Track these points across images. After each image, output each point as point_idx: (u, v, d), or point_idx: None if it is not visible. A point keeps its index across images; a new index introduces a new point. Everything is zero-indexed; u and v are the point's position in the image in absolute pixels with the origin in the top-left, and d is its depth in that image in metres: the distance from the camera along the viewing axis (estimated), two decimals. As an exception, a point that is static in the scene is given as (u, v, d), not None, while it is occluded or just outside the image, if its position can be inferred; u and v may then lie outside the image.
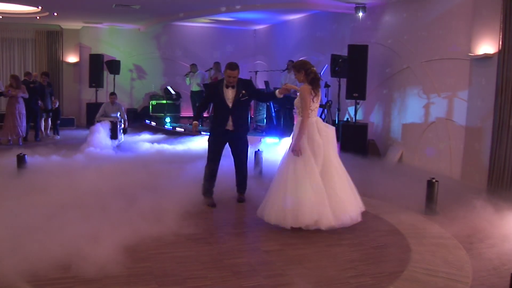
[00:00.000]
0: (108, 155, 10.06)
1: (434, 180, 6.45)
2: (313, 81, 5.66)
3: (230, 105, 6.44)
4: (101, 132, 10.91)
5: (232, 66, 6.33)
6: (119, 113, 12.43)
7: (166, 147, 11.50)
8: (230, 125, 6.50)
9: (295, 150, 5.50)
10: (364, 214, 6.34)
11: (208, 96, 7.23)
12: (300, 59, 6.21)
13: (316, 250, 5.02)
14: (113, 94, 12.86)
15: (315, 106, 5.68)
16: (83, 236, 4.81)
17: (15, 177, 7.47)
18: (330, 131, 5.74)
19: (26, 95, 11.86)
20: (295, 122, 5.86)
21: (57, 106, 13.54)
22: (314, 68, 5.71)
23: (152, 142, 12.19)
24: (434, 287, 4.10)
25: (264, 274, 4.36)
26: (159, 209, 5.91)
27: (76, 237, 4.76)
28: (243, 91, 6.44)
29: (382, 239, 5.42)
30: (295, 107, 5.77)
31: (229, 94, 6.44)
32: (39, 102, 12.70)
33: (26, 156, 7.99)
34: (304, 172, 5.47)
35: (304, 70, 5.68)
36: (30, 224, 5.12)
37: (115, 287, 3.94)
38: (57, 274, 4.09)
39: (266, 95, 8.28)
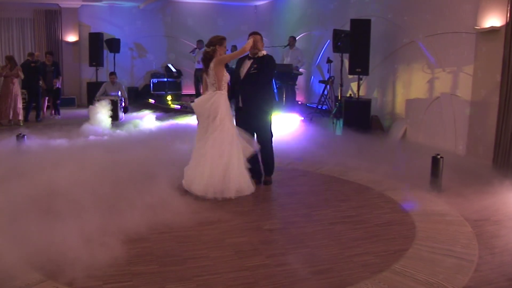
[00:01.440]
0: (108, 134, 10.00)
1: (439, 156, 6.33)
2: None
3: (241, 77, 6.28)
4: (101, 111, 10.81)
5: (254, 32, 6.33)
6: (119, 92, 12.38)
7: (166, 123, 11.45)
8: (240, 101, 6.32)
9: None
10: (368, 191, 6.32)
11: (235, 70, 6.65)
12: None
13: (319, 228, 4.95)
14: (112, 73, 12.79)
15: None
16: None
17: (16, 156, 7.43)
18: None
19: (20, 77, 11.73)
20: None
21: (57, 86, 13.40)
22: (209, 48, 5.99)
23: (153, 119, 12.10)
24: (439, 266, 4.01)
25: (266, 253, 4.29)
26: (155, 187, 5.85)
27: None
28: (255, 65, 6.24)
29: (386, 217, 5.33)
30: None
31: (245, 66, 6.29)
32: (40, 81, 12.59)
33: (25, 136, 7.90)
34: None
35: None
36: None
37: (115, 267, 3.87)
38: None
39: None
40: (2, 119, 11.68)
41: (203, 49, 14.67)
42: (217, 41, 6.03)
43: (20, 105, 11.80)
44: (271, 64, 6.37)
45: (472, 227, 4.97)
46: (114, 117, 11.33)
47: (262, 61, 6.25)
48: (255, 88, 6.25)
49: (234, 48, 15.36)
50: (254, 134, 6.36)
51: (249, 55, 6.32)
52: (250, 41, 6.17)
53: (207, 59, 5.99)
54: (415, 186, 6.43)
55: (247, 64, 6.29)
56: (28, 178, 6.05)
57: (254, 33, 6.34)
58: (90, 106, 11.17)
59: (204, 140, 5.89)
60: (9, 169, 6.57)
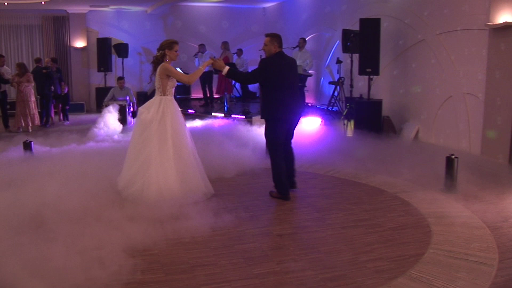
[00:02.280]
0: (116, 139, 9.94)
1: (453, 157, 6.16)
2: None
3: None
4: (110, 117, 10.75)
5: (267, 34, 6.06)
6: (128, 97, 12.33)
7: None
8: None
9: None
10: (380, 193, 6.16)
11: None
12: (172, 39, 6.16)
13: (331, 233, 4.80)
14: (121, 78, 12.73)
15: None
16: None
17: (24, 163, 7.34)
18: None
19: (31, 83, 11.71)
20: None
21: (66, 91, 13.39)
22: (158, 52, 5.99)
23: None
24: (458, 270, 3.85)
25: (277, 259, 4.15)
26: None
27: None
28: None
29: (400, 220, 5.17)
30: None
31: None
32: (52, 88, 12.58)
33: (32, 143, 7.83)
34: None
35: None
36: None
37: (120, 276, 3.73)
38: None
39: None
40: (13, 125, 11.67)
41: (206, 53, 14.81)
42: (167, 45, 5.98)
43: (34, 111, 11.76)
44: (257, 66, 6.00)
45: (490, 229, 4.79)
46: (123, 122, 11.25)
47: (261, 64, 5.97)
48: (262, 93, 6.27)
49: (239, 51, 15.24)
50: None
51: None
52: (208, 61, 6.03)
53: (155, 63, 6.02)
54: (429, 187, 6.26)
55: None
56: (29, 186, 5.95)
57: (269, 35, 5.97)
58: (102, 113, 11.12)
59: (143, 144, 5.82)
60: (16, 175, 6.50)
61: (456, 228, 4.82)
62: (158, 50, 6.01)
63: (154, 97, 6.00)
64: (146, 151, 5.76)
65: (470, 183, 6.25)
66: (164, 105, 5.86)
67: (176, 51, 6.01)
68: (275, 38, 5.89)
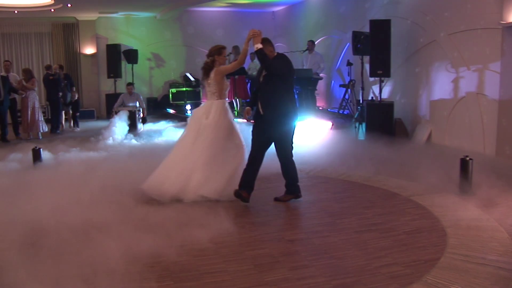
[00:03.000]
0: (126, 146, 9.92)
1: (468, 158, 6.02)
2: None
3: (260, 80, 5.83)
4: (118, 124, 10.73)
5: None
6: (137, 103, 12.31)
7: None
8: (259, 106, 5.78)
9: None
10: (394, 196, 6.03)
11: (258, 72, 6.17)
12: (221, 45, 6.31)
13: (343, 238, 4.68)
14: (130, 84, 12.73)
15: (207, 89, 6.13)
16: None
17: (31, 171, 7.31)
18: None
19: (34, 88, 11.68)
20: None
21: (76, 98, 13.40)
22: (208, 59, 6.14)
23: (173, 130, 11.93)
24: (475, 276, 3.72)
25: (288, 266, 4.04)
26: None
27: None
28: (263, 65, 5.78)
29: (414, 223, 5.04)
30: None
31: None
32: (60, 94, 12.58)
33: (41, 150, 7.79)
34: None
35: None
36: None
37: (127, 284, 3.65)
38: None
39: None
40: (23, 132, 11.67)
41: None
42: (216, 51, 6.12)
43: (38, 117, 11.73)
44: (276, 61, 5.68)
45: (508, 233, 4.64)
46: (133, 128, 11.23)
47: (276, 61, 5.68)
48: (273, 92, 5.66)
49: (252, 55, 15.07)
50: (268, 146, 5.84)
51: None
52: (248, 36, 5.70)
53: (206, 69, 6.11)
54: (443, 190, 6.12)
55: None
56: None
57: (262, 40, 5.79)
58: (111, 120, 11.11)
59: (198, 147, 5.91)
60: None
61: (473, 232, 4.68)
62: (208, 56, 6.18)
63: (209, 101, 6.10)
64: (199, 154, 5.86)
65: (486, 185, 6.06)
66: (221, 109, 6.01)
67: (224, 56, 6.23)
68: (267, 42, 5.74)
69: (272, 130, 5.67)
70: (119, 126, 10.73)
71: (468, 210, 5.34)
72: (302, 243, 4.57)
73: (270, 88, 5.68)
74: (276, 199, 5.92)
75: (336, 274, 3.87)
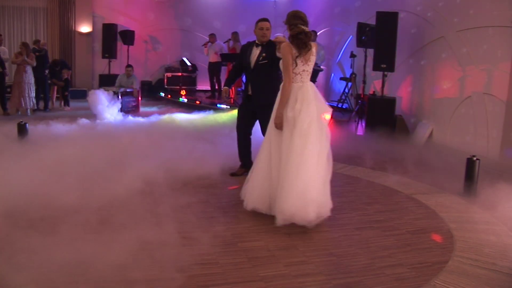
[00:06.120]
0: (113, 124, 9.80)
1: (474, 158, 5.74)
2: (295, 39, 4.60)
3: (251, 66, 5.83)
4: (103, 102, 10.51)
5: (263, 18, 5.82)
6: (134, 85, 12.08)
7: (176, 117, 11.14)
8: (250, 90, 5.94)
9: (275, 122, 4.61)
10: (395, 193, 5.76)
11: (239, 56, 6.24)
12: (297, 13, 4.82)
13: (344, 234, 4.39)
14: (129, 66, 12.41)
15: (301, 69, 4.61)
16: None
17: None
18: (312, 106, 4.62)
19: (33, 64, 11.31)
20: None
21: (66, 77, 12.95)
22: (302, 27, 4.61)
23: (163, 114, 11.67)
24: (487, 282, 3.43)
25: (284, 261, 3.74)
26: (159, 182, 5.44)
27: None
28: (264, 54, 5.73)
29: (419, 223, 4.75)
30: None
31: (255, 54, 5.80)
32: (46, 71, 12.17)
33: (27, 124, 7.43)
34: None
35: (288, 25, 4.70)
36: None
37: (111, 273, 3.33)
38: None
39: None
40: (12, 107, 11.27)
41: (217, 42, 14.32)
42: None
43: (32, 94, 11.37)
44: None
45: (518, 238, 4.37)
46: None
47: (271, 50, 5.64)
48: (268, 79, 5.73)
49: (235, 34, 14.50)
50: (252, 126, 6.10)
51: (257, 41, 5.84)
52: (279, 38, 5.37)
53: (305, 41, 4.64)
54: (446, 190, 5.84)
55: (257, 51, 5.81)
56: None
57: (263, 20, 5.83)
58: (89, 95, 10.92)
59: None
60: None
61: (481, 235, 4.40)
62: (301, 24, 4.66)
63: (306, 84, 4.72)
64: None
65: (490, 187, 5.79)
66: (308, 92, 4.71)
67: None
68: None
69: (261, 114, 5.74)
70: (109, 105, 10.53)
71: (475, 212, 5.07)
72: (300, 237, 4.25)
73: (266, 76, 5.77)
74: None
75: (337, 272, 3.57)
